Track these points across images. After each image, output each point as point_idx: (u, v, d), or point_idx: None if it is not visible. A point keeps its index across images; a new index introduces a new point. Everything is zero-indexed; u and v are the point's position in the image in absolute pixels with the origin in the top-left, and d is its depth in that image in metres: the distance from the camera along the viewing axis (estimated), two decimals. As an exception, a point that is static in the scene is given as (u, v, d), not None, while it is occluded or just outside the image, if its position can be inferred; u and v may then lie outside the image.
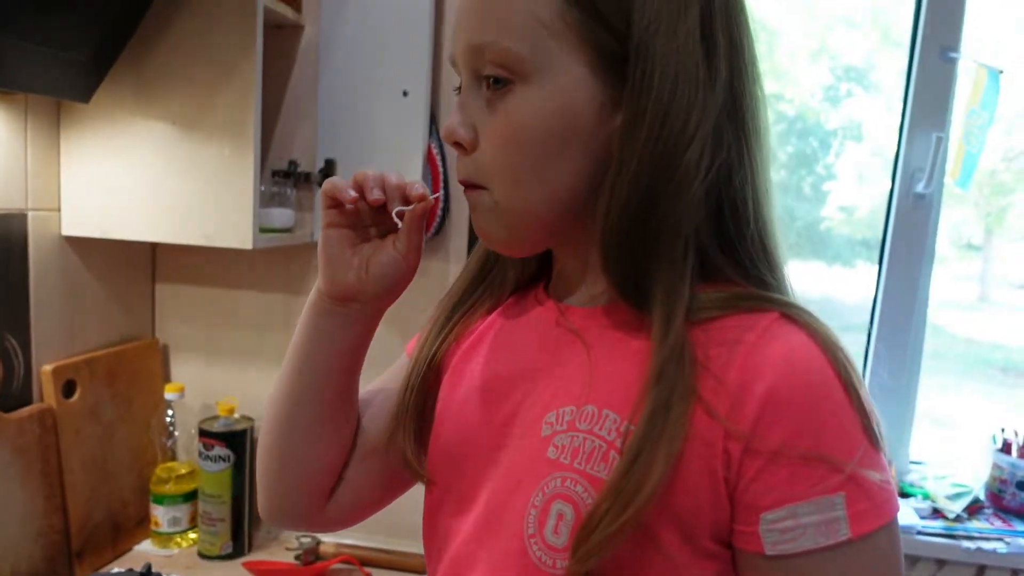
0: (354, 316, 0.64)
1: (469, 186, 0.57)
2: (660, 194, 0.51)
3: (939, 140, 1.51)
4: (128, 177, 1.20)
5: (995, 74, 1.42)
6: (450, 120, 0.56)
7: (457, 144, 0.56)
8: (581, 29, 0.51)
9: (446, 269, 1.38)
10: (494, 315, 0.68)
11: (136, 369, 1.40)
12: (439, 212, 1.33)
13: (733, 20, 0.54)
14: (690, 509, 0.49)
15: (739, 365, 0.49)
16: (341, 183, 0.60)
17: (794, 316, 0.51)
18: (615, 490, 0.48)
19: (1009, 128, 1.73)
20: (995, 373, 2.80)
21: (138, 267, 1.46)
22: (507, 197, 0.55)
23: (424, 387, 0.67)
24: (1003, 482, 1.48)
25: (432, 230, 1.33)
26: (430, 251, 1.36)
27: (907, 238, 1.58)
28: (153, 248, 1.48)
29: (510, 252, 0.63)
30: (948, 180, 1.52)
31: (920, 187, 1.55)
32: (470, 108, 0.55)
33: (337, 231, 0.62)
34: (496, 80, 0.53)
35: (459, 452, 0.62)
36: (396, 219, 0.59)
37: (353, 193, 0.59)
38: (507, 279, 0.67)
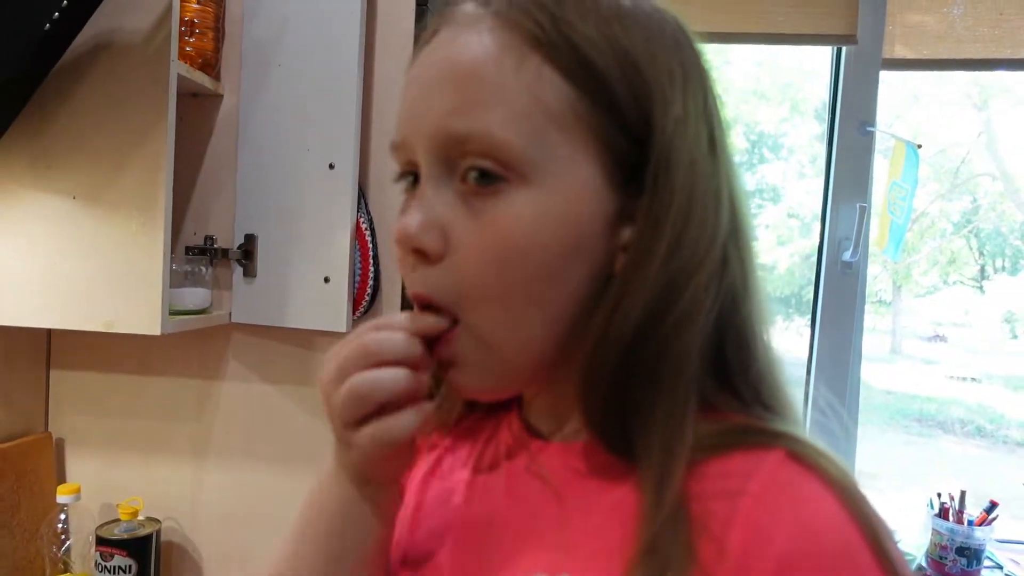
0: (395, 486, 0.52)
1: (433, 307, 0.45)
2: (667, 324, 0.42)
3: (862, 209, 1.55)
4: (19, 257, 1.08)
5: (913, 148, 1.47)
6: (406, 219, 0.45)
7: (418, 251, 0.45)
8: (595, 124, 0.43)
9: (376, 348, 1.30)
10: (455, 433, 0.59)
11: (24, 468, 1.25)
12: (368, 289, 1.25)
13: (725, 126, 0.47)
14: None
15: (743, 524, 0.39)
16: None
17: (803, 455, 0.42)
18: None
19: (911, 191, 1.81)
20: (911, 423, 2.89)
21: (30, 353, 1.32)
22: (494, 329, 0.44)
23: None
24: (943, 548, 1.48)
25: (361, 308, 1.26)
26: (359, 330, 1.28)
27: (837, 304, 1.61)
28: (48, 332, 1.35)
29: (497, 397, 0.52)
30: (875, 249, 1.56)
31: (847, 256, 1.58)
32: (435, 205, 0.44)
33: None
34: (483, 175, 0.43)
35: None
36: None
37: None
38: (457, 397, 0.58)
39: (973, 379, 2.96)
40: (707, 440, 0.43)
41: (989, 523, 1.47)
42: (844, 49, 1.60)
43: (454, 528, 0.53)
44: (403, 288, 1.25)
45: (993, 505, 1.47)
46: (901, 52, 1.59)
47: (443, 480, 0.57)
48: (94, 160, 1.07)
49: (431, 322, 0.45)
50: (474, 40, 0.44)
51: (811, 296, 1.68)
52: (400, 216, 0.46)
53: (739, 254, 0.46)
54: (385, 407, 0.45)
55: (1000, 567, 1.47)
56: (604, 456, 0.46)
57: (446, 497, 0.55)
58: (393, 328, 0.46)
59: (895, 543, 0.40)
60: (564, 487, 0.48)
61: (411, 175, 0.47)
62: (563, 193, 0.43)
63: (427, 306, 0.46)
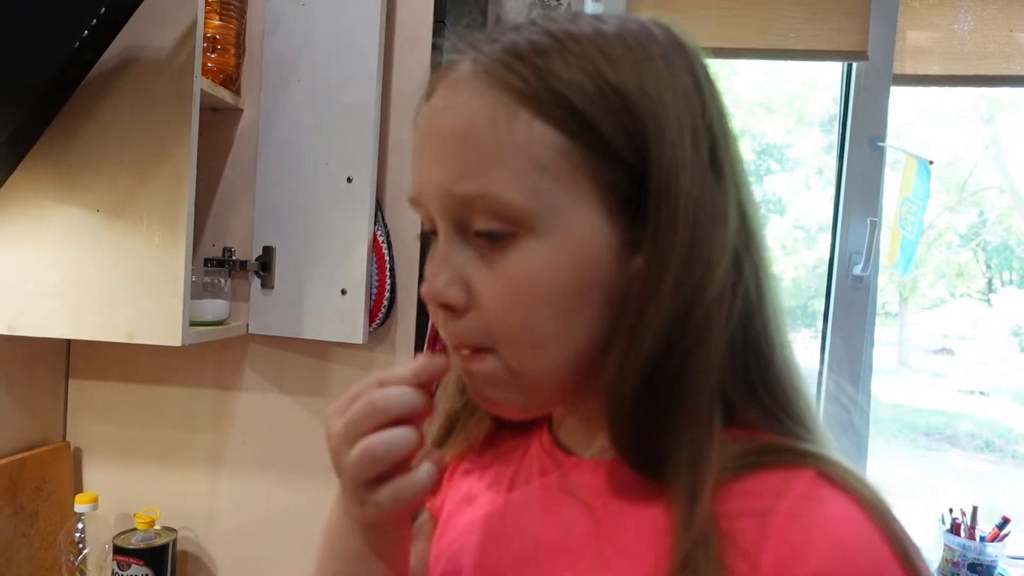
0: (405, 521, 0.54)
1: (468, 347, 0.48)
2: (683, 343, 0.44)
3: (873, 224, 1.56)
4: (44, 269, 1.10)
5: (924, 164, 1.48)
6: (432, 278, 0.47)
7: (445, 306, 0.47)
8: (590, 169, 0.44)
9: (391, 361, 1.31)
10: (485, 453, 0.60)
11: (42, 478, 1.26)
12: (384, 302, 1.26)
13: (730, 137, 0.48)
14: None
15: (776, 542, 0.40)
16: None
17: (834, 476, 0.43)
18: None
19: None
20: (919, 437, 2.88)
21: (49, 363, 1.33)
22: (524, 361, 0.47)
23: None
24: (955, 564, 1.47)
25: (378, 319, 1.27)
26: (375, 342, 1.30)
27: (848, 318, 1.61)
28: (68, 342, 1.36)
29: (524, 416, 0.53)
30: (887, 263, 1.56)
31: (858, 270, 1.59)
32: (455, 261, 0.47)
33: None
34: (491, 234, 0.45)
35: None
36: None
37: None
38: (483, 417, 0.59)
39: (981, 393, 2.96)
40: (735, 460, 0.44)
41: (1001, 539, 1.46)
42: (855, 64, 1.61)
43: (488, 544, 0.54)
44: (419, 299, 1.26)
45: (1005, 521, 1.47)
46: (912, 68, 1.60)
47: (476, 499, 0.58)
48: (118, 174, 1.08)
49: (435, 367, 0.48)
50: (468, 103, 0.45)
51: (816, 307, 1.68)
52: (426, 273, 0.49)
53: (752, 264, 0.47)
54: (399, 465, 0.47)
55: (1012, 583, 1.47)
56: (633, 474, 0.47)
57: (479, 515, 0.56)
58: (398, 382, 0.48)
59: (924, 561, 0.41)
60: (597, 504, 0.49)
61: (434, 232, 0.49)
62: (569, 237, 0.45)
63: (467, 348, 0.48)
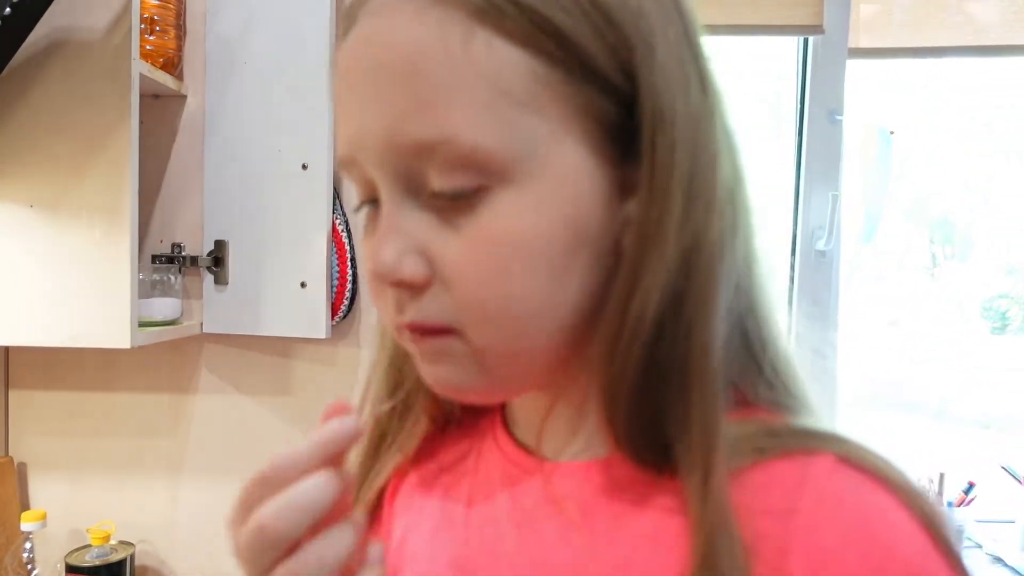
0: None
1: (427, 331, 0.38)
2: (692, 297, 0.37)
3: (834, 198, 1.56)
4: (-27, 271, 1.02)
5: (885, 134, 1.49)
6: (379, 251, 0.37)
7: (400, 284, 0.37)
8: (570, 94, 0.36)
9: (356, 355, 1.26)
10: (424, 462, 0.50)
11: (-16, 497, 1.17)
12: (347, 293, 1.21)
13: (710, 60, 0.40)
14: None
15: (804, 550, 0.34)
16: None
17: (855, 458, 0.37)
18: None
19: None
20: (878, 408, 2.95)
21: (-15, 374, 1.24)
22: (502, 341, 0.38)
23: None
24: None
25: (340, 312, 1.21)
26: (338, 336, 1.24)
27: (812, 294, 1.61)
28: (6, 350, 1.27)
29: (491, 401, 0.47)
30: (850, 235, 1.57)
31: (821, 244, 1.59)
32: (407, 228, 0.37)
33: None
34: (456, 193, 0.36)
35: None
36: None
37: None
38: (419, 418, 0.49)
39: (935, 362, 3.03)
40: (744, 443, 0.37)
41: (968, 503, 1.49)
42: (810, 40, 1.61)
43: (454, 572, 0.45)
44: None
45: (971, 486, 1.50)
46: (866, 41, 1.61)
47: (429, 524, 0.48)
48: (52, 166, 1.01)
49: (343, 435, 0.37)
50: (407, 23, 0.36)
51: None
52: (370, 249, 0.39)
53: (744, 204, 0.40)
54: (302, 540, 0.35)
55: (979, 546, 1.50)
56: (627, 474, 0.40)
57: (438, 546, 0.47)
58: (296, 452, 0.36)
59: (960, 544, 0.37)
60: (583, 514, 0.41)
61: (373, 201, 0.40)
62: (552, 182, 0.36)
63: (429, 331, 0.38)
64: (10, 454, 1.27)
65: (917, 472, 1.54)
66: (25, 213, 1.01)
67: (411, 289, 0.38)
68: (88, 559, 1.15)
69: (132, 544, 1.21)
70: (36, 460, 1.28)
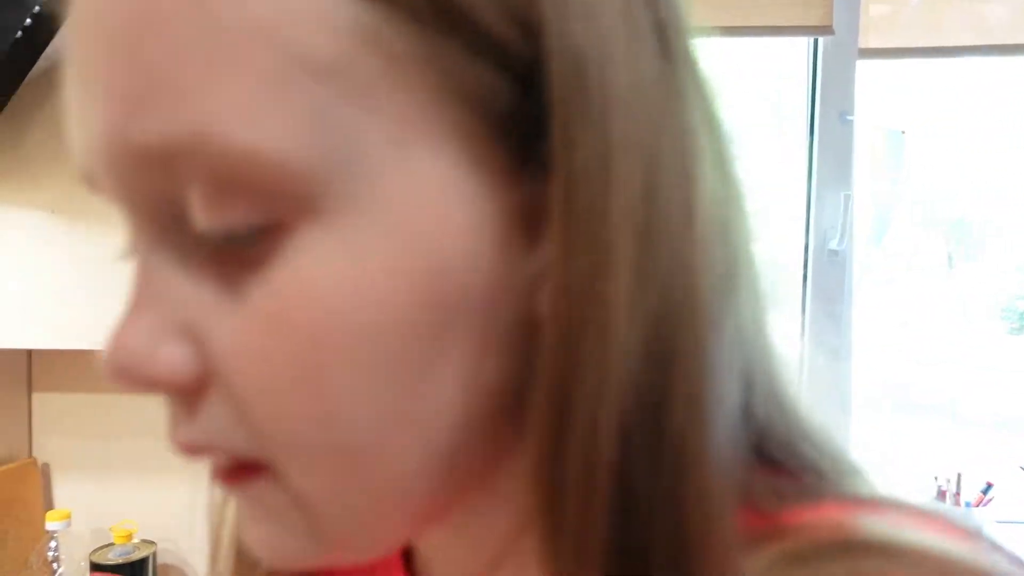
0: None
1: (227, 470, 0.26)
2: (670, 397, 0.23)
3: (847, 198, 1.57)
4: (-2, 275, 1.04)
5: (897, 135, 1.49)
6: (121, 330, 0.24)
7: (156, 386, 0.25)
8: (424, 62, 0.21)
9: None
10: None
11: (10, 497, 1.20)
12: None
13: (684, 21, 0.25)
14: None
15: None
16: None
17: None
18: None
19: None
20: (895, 410, 2.93)
21: (9, 376, 1.27)
22: (323, 486, 0.24)
23: None
24: (942, 531, 1.49)
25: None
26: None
27: (826, 294, 1.62)
28: (29, 353, 1.30)
29: (344, 564, 0.29)
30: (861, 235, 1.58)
31: (833, 244, 1.60)
32: (164, 288, 0.24)
33: None
34: (231, 236, 0.22)
35: None
36: None
37: None
38: None
39: (951, 362, 3.01)
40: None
41: (986, 504, 1.48)
42: (820, 40, 1.62)
43: None
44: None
45: (989, 486, 1.49)
46: (876, 42, 1.61)
47: None
48: (73, 173, 1.04)
49: None
50: None
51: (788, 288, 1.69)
52: (113, 328, 0.24)
53: (746, 247, 0.26)
54: None
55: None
56: None
57: None
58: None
59: None
60: None
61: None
62: (394, 216, 0.22)
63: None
64: (34, 455, 1.30)
65: (933, 472, 1.54)
66: (47, 219, 1.04)
67: (178, 395, 0.25)
68: (111, 557, 1.17)
69: (154, 543, 1.23)
70: (60, 461, 1.31)
